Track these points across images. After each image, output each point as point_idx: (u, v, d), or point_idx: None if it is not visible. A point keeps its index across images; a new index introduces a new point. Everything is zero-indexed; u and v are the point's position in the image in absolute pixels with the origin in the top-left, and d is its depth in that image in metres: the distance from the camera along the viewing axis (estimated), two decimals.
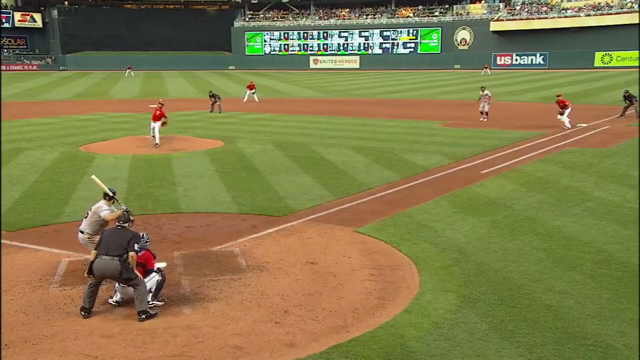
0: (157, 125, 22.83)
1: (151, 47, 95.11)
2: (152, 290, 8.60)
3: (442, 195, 14.92)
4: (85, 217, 9.90)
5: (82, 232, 9.83)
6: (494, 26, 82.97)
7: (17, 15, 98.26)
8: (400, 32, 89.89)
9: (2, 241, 11.54)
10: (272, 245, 11.28)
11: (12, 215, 13.28)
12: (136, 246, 8.44)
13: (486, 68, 72.74)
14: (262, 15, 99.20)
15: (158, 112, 22.93)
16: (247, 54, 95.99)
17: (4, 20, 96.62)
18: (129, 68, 77.62)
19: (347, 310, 8.38)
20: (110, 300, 8.77)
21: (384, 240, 11.45)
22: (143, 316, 8.17)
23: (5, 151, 21.71)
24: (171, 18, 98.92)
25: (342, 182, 16.51)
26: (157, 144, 22.66)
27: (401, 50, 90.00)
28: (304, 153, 21.37)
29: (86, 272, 8.40)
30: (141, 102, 41.15)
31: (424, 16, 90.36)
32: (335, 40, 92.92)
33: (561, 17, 79.18)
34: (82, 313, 8.30)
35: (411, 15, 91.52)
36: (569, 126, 26.50)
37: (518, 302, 8.58)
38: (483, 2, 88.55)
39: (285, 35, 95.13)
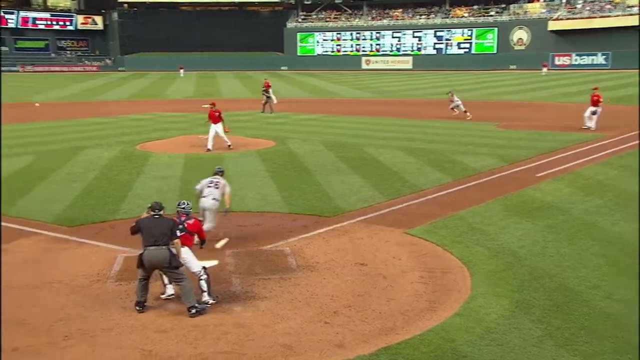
0: (219, 129, 22.27)
1: (205, 48, 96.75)
2: (206, 289, 8.70)
3: (495, 198, 14.63)
4: (217, 188, 11.57)
5: (216, 200, 11.46)
6: (553, 25, 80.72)
7: (80, 18, 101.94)
8: (455, 32, 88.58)
9: (63, 236, 12.00)
10: (322, 246, 11.31)
11: (71, 212, 13.76)
12: (178, 233, 8.61)
13: (545, 67, 71.15)
14: (314, 16, 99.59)
15: (217, 113, 22.28)
16: (299, 54, 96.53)
17: (68, 24, 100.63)
18: (180, 68, 79.62)
19: (396, 313, 8.32)
20: (162, 296, 8.98)
21: (434, 242, 11.31)
22: (193, 311, 8.31)
23: (65, 149, 22.55)
24: (225, 19, 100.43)
25: (393, 183, 16.41)
26: (229, 145, 22.24)
27: (455, 50, 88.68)
28: (354, 154, 21.34)
29: (137, 264, 8.57)
30: (195, 102, 41.95)
31: (479, 16, 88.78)
32: (387, 41, 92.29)
33: (626, 15, 76.25)
34: (137, 308, 8.52)
35: (466, 15, 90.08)
36: (594, 127, 25.43)
37: (575, 309, 8.32)
38: (542, 1, 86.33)
39: (338, 35, 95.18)
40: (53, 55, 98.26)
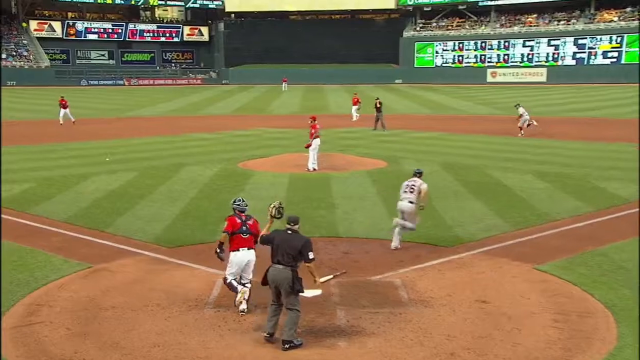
0: (314, 146, 22.53)
1: (313, 59, 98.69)
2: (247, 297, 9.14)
3: None
4: (412, 192, 12.86)
5: (412, 202, 12.76)
6: None
7: (186, 30, 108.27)
8: (601, 39, 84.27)
9: (162, 257, 12.65)
10: (438, 279, 11.13)
11: (171, 232, 14.47)
12: (311, 254, 8.53)
13: None
14: (434, 24, 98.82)
15: (313, 130, 22.58)
16: (415, 66, 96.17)
17: (174, 35, 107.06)
18: (284, 81, 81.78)
19: None
20: (241, 312, 9.52)
21: (571, 281, 10.78)
22: (287, 346, 8.40)
23: (167, 166, 23.83)
24: (335, 29, 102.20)
25: (521, 211, 15.90)
26: (308, 169, 22.49)
27: (600, 60, 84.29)
28: (476, 177, 20.97)
29: (261, 281, 8.83)
30: (301, 117, 42.94)
31: (633, 19, 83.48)
32: (518, 50, 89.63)
33: None
34: (265, 336, 8.68)
35: (615, 19, 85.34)
36: None
37: None
38: None
39: (460, 45, 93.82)
40: (158, 68, 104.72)
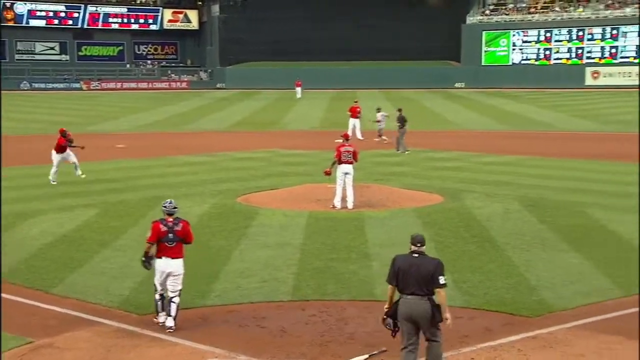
0: (350, 172, 22.57)
1: (341, 55, 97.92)
2: (174, 314, 11.17)
3: None
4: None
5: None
6: None
7: (167, 14, 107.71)
8: None
9: (131, 328, 12.64)
10: None
11: (144, 293, 14.36)
12: (442, 279, 9.65)
13: None
14: (510, 6, 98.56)
15: (346, 150, 22.73)
16: (483, 64, 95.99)
17: (150, 21, 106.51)
18: (297, 85, 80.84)
19: None
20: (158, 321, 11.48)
21: None
22: None
23: (140, 200, 23.93)
24: (372, 14, 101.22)
25: (638, 270, 15.68)
26: (334, 205, 22.66)
27: None
28: (571, 219, 20.82)
29: (383, 318, 10.00)
30: (324, 134, 43.08)
31: None
32: (630, 42, 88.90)
33: None
34: None
35: None
36: None
37: None
38: None
39: (548, 34, 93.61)
40: (129, 66, 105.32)
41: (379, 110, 41.97)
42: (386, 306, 10.01)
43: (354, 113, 42.62)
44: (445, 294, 9.73)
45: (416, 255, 9.68)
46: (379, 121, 41.10)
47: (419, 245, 9.80)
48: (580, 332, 12.24)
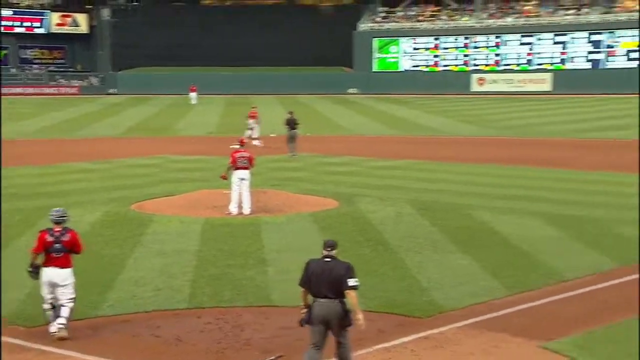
0: (246, 177, 22.68)
1: (235, 60, 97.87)
2: (66, 316, 11.52)
3: None
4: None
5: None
6: None
7: (55, 17, 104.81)
8: (621, 35, 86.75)
9: (18, 342, 12.24)
10: None
11: (32, 305, 13.89)
12: (352, 281, 9.87)
13: None
14: (401, 14, 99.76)
15: (248, 154, 22.90)
16: (375, 70, 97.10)
17: (36, 25, 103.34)
18: (192, 90, 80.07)
19: None
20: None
21: None
22: None
23: (28, 210, 23.29)
24: (266, 19, 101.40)
25: (522, 269, 16.16)
26: (230, 212, 22.59)
27: (621, 63, 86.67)
28: (460, 221, 21.18)
29: (300, 322, 10.15)
30: (220, 140, 42.79)
31: None
32: (513, 49, 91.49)
33: None
34: None
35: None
36: None
37: None
38: None
39: (436, 42, 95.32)
40: (14, 70, 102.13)
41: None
42: (303, 310, 10.15)
43: (253, 118, 42.88)
44: (356, 294, 9.91)
45: (328, 259, 9.91)
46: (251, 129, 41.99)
47: (329, 249, 10.03)
48: (470, 331, 12.47)
